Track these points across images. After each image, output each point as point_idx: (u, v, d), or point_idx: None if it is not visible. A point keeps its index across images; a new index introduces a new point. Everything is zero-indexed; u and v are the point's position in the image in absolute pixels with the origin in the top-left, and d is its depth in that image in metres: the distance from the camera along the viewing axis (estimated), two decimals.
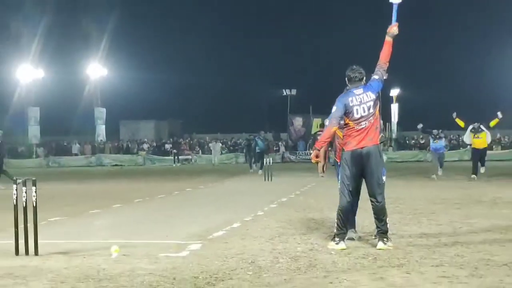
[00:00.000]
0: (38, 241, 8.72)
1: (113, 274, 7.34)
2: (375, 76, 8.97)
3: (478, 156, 23.57)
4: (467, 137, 24.27)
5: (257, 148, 32.16)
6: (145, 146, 58.13)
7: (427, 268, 7.39)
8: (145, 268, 7.65)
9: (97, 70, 60.42)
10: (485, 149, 23.78)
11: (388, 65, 9.03)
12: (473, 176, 22.80)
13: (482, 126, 23.84)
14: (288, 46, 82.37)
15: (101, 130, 60.44)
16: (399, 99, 58.46)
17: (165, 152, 56.22)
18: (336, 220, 8.95)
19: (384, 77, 9.03)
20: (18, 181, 8.83)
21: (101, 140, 59.43)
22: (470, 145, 24.94)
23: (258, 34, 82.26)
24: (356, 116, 8.78)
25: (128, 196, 18.78)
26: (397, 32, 9.03)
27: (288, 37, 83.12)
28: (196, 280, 6.99)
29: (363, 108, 8.78)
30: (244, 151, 43.03)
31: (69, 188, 23.92)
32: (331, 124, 9.07)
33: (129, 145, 59.44)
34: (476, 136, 23.44)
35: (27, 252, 8.65)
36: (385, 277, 6.96)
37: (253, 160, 33.90)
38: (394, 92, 58.49)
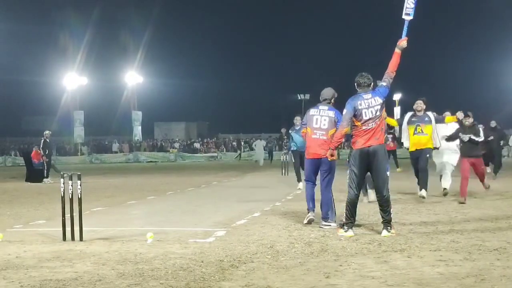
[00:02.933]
0: (83, 228, 8.77)
1: (148, 258, 7.36)
2: (383, 83, 8.97)
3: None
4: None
5: (293, 145, 17.46)
6: (177, 144, 58.28)
7: (426, 253, 7.36)
8: (176, 252, 7.67)
9: (134, 78, 60.68)
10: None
11: (395, 74, 9.01)
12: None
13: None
14: (302, 55, 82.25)
15: (137, 131, 60.61)
16: (401, 102, 58.18)
17: (194, 150, 56.32)
18: (345, 211, 8.93)
19: (391, 83, 9.03)
20: (65, 175, 8.88)
21: (138, 139, 59.63)
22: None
23: (276, 45, 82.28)
24: (364, 118, 8.76)
25: (161, 189, 18.83)
26: (406, 46, 9.02)
27: (301, 47, 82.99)
28: (221, 263, 7.00)
29: (371, 111, 8.77)
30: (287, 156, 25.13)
31: (109, 182, 23.99)
32: (342, 126, 9.08)
33: (163, 144, 59.64)
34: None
35: (73, 238, 8.70)
36: (389, 261, 6.94)
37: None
38: (397, 96, 58.24)
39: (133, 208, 13.38)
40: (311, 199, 10.06)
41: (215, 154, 53.44)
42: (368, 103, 8.80)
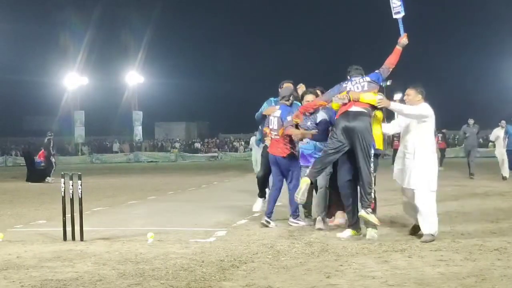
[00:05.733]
0: (83, 228, 8.77)
1: (148, 257, 7.36)
2: (377, 70, 8.81)
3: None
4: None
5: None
6: (177, 144, 58.34)
7: (426, 253, 7.36)
8: (177, 252, 7.67)
9: (134, 78, 60.77)
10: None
11: (393, 68, 8.86)
12: None
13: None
14: (303, 54, 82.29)
15: (138, 131, 60.71)
16: (401, 102, 58.23)
17: (195, 149, 56.34)
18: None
19: (386, 75, 8.83)
20: (66, 175, 8.89)
21: (138, 139, 59.73)
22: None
23: (276, 45, 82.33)
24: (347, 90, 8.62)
25: (162, 189, 18.84)
26: (407, 42, 8.89)
27: (302, 47, 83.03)
28: (222, 263, 7.00)
29: (357, 87, 8.60)
30: None
31: (110, 181, 24.00)
32: (321, 98, 9.12)
33: (163, 144, 59.77)
34: None
35: (73, 238, 8.70)
36: (389, 261, 6.94)
37: None
38: (397, 96, 58.31)
39: (133, 208, 13.38)
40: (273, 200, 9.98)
41: (215, 154, 53.47)
42: (356, 82, 8.65)
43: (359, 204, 8.53)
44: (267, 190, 10.64)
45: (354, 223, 8.68)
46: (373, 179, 8.46)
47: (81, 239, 8.66)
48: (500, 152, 20.04)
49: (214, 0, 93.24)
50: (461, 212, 11.27)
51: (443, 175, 17.81)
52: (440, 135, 23.51)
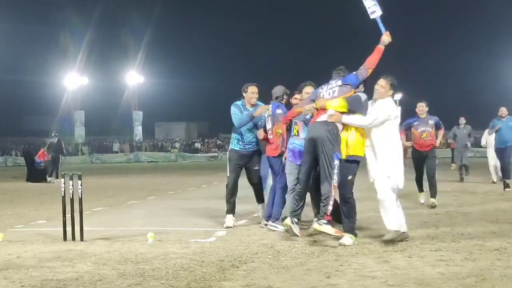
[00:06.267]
0: (83, 228, 8.77)
1: (149, 257, 7.36)
2: (355, 72, 8.43)
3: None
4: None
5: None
6: (177, 144, 58.35)
7: (426, 253, 7.36)
8: (177, 252, 7.67)
9: (134, 78, 60.81)
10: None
11: (372, 69, 8.40)
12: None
13: None
14: (304, 54, 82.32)
15: (138, 131, 60.72)
16: (401, 102, 58.19)
17: (195, 149, 56.33)
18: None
19: (364, 76, 8.36)
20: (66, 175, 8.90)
21: (138, 139, 59.74)
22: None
23: (277, 44, 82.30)
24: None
25: (162, 189, 18.85)
26: (391, 40, 8.48)
27: (303, 46, 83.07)
28: (222, 263, 7.00)
29: (329, 92, 8.32)
30: None
31: (110, 182, 24.01)
32: (300, 105, 8.95)
33: (163, 144, 59.78)
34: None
35: (73, 238, 8.70)
36: (389, 261, 6.94)
37: None
38: (398, 96, 58.27)
39: (133, 208, 13.38)
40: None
41: (215, 154, 53.46)
42: (330, 87, 8.38)
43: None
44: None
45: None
46: (332, 190, 7.96)
47: (81, 239, 8.66)
48: (492, 155, 17.97)
49: (214, 0, 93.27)
50: (461, 212, 11.27)
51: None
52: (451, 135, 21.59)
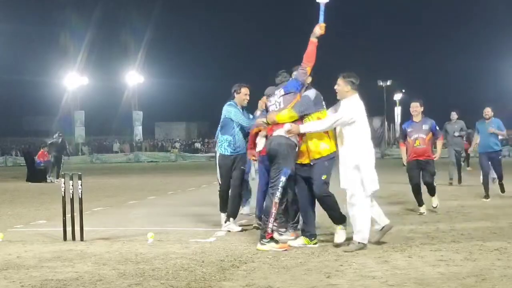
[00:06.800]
0: (83, 228, 8.77)
1: (149, 257, 7.36)
2: (294, 73, 8.04)
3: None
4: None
5: None
6: (177, 144, 58.36)
7: (426, 253, 7.36)
8: (177, 252, 7.66)
9: (134, 78, 60.81)
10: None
11: (309, 66, 7.85)
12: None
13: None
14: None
15: (138, 131, 60.73)
16: (401, 102, 58.25)
17: (195, 149, 56.31)
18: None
19: (303, 78, 7.86)
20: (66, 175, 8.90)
21: (139, 139, 59.75)
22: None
23: (277, 44, 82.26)
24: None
25: (162, 189, 18.85)
26: (323, 33, 7.83)
27: (303, 46, 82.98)
28: (222, 263, 7.00)
29: (276, 105, 7.95)
30: None
31: (110, 182, 24.01)
32: (251, 122, 8.89)
33: (163, 144, 59.79)
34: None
35: (73, 238, 8.70)
36: (389, 261, 6.94)
37: None
38: (398, 96, 58.33)
39: (134, 208, 13.38)
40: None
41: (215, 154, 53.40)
42: (275, 98, 7.99)
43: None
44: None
45: (304, 230, 8.08)
46: (273, 207, 7.62)
47: (81, 239, 8.66)
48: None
49: (214, 0, 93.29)
50: (461, 212, 11.27)
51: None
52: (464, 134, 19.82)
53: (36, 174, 24.08)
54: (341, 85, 7.75)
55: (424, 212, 11.10)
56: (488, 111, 13.92)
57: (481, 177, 14.57)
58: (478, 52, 70.96)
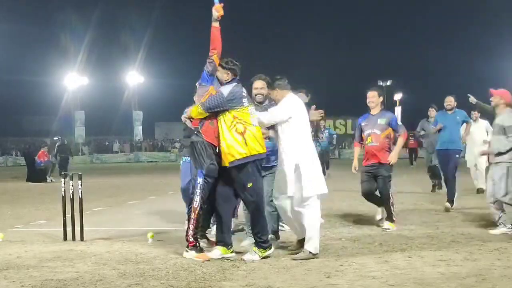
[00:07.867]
0: (84, 228, 8.77)
1: (149, 257, 7.36)
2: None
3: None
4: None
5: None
6: (177, 144, 58.28)
7: (426, 253, 7.36)
8: (177, 252, 7.66)
9: (134, 78, 60.80)
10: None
11: (215, 53, 7.37)
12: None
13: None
14: (304, 53, 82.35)
15: (138, 131, 60.73)
16: (401, 102, 58.22)
17: None
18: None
19: (210, 67, 7.47)
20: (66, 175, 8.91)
21: (139, 139, 59.73)
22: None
23: (277, 44, 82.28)
24: None
25: (162, 189, 18.84)
26: (222, 13, 7.33)
27: (304, 46, 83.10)
28: (222, 263, 7.00)
29: (198, 98, 7.67)
30: None
31: (110, 181, 24.01)
32: None
33: (163, 144, 59.75)
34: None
35: (73, 238, 8.71)
36: (389, 261, 6.94)
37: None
38: (398, 96, 58.28)
39: (134, 208, 13.39)
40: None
41: None
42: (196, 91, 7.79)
43: None
44: None
45: (222, 240, 7.41)
46: (192, 213, 7.23)
47: (81, 239, 8.67)
48: (471, 157, 15.30)
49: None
50: (461, 212, 11.28)
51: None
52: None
53: (36, 174, 24.11)
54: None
55: (379, 218, 9.69)
56: (450, 101, 11.99)
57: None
58: (478, 52, 70.95)
